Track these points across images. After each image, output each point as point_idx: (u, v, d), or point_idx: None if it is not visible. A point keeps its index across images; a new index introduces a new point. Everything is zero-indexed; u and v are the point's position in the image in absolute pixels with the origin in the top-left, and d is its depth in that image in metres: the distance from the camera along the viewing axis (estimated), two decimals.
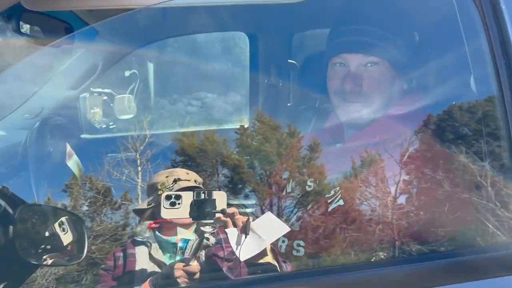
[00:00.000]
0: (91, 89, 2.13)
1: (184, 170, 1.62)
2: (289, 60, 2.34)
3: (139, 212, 1.62)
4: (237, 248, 1.32)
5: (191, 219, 1.29)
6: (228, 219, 1.35)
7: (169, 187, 1.54)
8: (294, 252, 1.54)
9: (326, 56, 1.79)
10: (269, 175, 1.73)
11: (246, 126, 2.14)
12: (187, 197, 1.28)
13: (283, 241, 1.57)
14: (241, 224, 1.35)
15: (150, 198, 1.59)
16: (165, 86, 2.19)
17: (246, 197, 1.70)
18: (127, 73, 2.20)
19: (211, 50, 2.24)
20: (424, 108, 1.64)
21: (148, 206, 1.57)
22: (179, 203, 1.28)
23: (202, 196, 1.29)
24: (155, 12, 2.03)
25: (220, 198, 1.30)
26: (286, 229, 1.38)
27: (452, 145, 1.42)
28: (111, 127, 2.13)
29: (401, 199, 1.48)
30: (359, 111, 1.68)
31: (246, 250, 1.31)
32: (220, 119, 2.18)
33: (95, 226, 1.72)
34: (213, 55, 2.25)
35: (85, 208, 1.77)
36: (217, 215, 1.30)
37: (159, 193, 1.54)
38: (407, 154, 1.49)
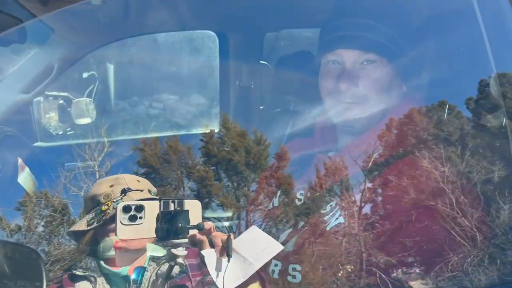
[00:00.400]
0: (46, 92, 1.95)
1: (133, 177, 1.33)
2: (261, 61, 2.22)
3: (76, 235, 1.29)
4: (217, 276, 1.01)
5: (155, 237, 1.02)
6: (204, 238, 1.05)
7: (117, 200, 1.24)
8: (290, 278, 1.37)
9: (319, 53, 1.66)
10: (245, 186, 1.62)
11: (216, 130, 2.01)
12: (152, 209, 1.01)
13: (276, 265, 1.40)
14: (220, 243, 1.04)
15: (91, 216, 1.27)
16: (125, 88, 2.03)
17: (220, 213, 1.58)
18: (85, 75, 2.03)
19: (177, 49, 2.09)
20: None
21: (89, 227, 1.24)
22: (141, 217, 1.00)
23: (172, 206, 1.01)
24: (115, 8, 1.87)
25: (194, 209, 1.03)
26: (278, 247, 1.09)
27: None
28: (68, 133, 1.96)
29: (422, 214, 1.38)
30: (356, 113, 1.54)
31: (229, 278, 1.01)
32: (188, 123, 2.04)
33: (52, 249, 1.55)
34: (180, 55, 2.10)
35: (40, 228, 1.60)
36: (192, 231, 1.02)
37: (103, 208, 1.24)
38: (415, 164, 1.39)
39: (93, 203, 1.29)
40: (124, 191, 1.26)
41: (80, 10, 1.78)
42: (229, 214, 1.60)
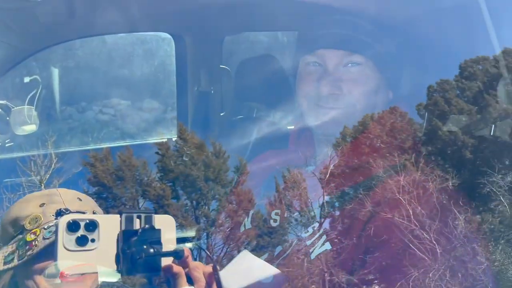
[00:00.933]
0: None
1: (73, 193, 0.99)
2: (220, 65, 2.11)
3: None
4: None
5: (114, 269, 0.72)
6: (181, 270, 0.77)
7: (49, 226, 0.90)
8: None
9: (297, 55, 1.56)
10: (205, 205, 1.51)
11: (174, 139, 1.89)
12: (109, 227, 0.73)
13: None
14: (203, 279, 0.78)
15: (9, 249, 0.91)
16: (72, 93, 1.85)
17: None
18: (26, 80, 1.84)
19: (129, 52, 1.95)
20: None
21: (6, 266, 0.88)
22: (93, 239, 0.72)
23: (137, 223, 0.73)
24: (58, 6, 1.70)
25: (168, 227, 0.75)
26: (275, 272, 0.85)
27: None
28: (7, 145, 1.77)
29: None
30: (337, 119, 1.44)
31: None
32: (142, 131, 1.90)
33: None
34: (133, 58, 1.96)
35: None
36: (165, 260, 0.74)
37: (28, 237, 0.90)
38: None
39: (14, 229, 0.94)
40: (59, 213, 0.90)
41: (17, 8, 1.59)
42: (190, 237, 1.49)
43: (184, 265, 0.78)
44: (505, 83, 1.28)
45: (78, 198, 1.00)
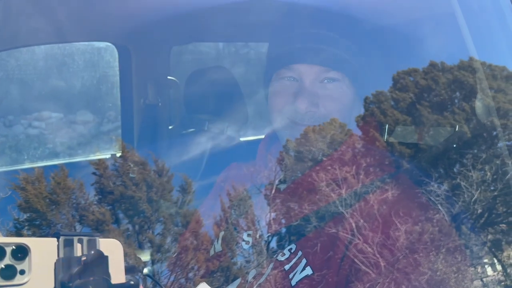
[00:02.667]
0: None
1: None
2: (168, 76, 2.02)
3: None
4: None
5: None
6: None
7: None
8: None
9: (269, 67, 1.48)
10: (149, 229, 1.41)
11: (118, 155, 1.78)
12: (44, 254, 0.59)
13: None
14: None
15: None
16: None
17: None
18: None
19: (67, 62, 1.82)
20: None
21: None
22: (23, 270, 0.58)
23: (79, 249, 0.61)
24: None
25: (115, 253, 0.64)
26: None
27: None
28: None
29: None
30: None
31: None
32: (81, 147, 1.77)
33: None
34: (71, 69, 1.83)
35: None
36: None
37: None
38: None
39: None
40: None
41: None
42: (137, 265, 1.38)
43: None
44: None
45: None
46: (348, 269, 1.21)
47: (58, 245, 0.60)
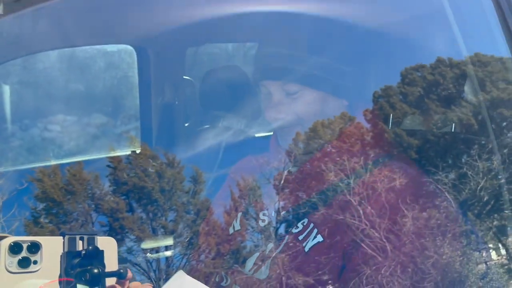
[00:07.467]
0: None
1: None
2: (184, 76, 2.11)
3: None
4: None
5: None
6: None
7: None
8: None
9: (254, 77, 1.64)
10: (162, 216, 1.49)
11: (138, 152, 1.87)
12: (52, 249, 0.75)
13: None
14: None
15: None
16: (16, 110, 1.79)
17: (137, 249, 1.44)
18: None
19: (89, 65, 1.93)
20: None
21: None
22: (36, 261, 0.74)
23: (80, 245, 0.77)
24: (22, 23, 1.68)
25: (110, 249, 0.79)
26: None
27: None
28: None
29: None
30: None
31: None
32: (100, 145, 1.87)
33: None
34: (93, 72, 1.95)
35: None
36: (109, 281, 0.77)
37: None
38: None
39: None
40: None
41: None
42: (149, 248, 1.47)
43: (125, 285, 0.82)
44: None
45: None
46: (355, 253, 1.27)
47: (63, 242, 0.76)
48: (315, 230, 1.31)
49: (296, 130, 1.50)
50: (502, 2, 1.24)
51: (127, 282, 0.82)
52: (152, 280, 1.37)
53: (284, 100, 1.50)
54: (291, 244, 1.34)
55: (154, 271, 1.41)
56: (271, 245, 1.36)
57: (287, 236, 1.35)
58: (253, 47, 1.93)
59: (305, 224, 1.34)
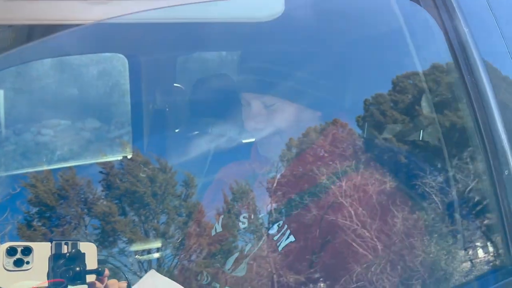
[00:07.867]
0: None
1: None
2: (175, 84, 2.14)
3: None
4: None
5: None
6: (101, 286, 0.97)
7: None
8: None
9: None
10: (154, 219, 1.51)
11: (129, 157, 1.88)
12: (42, 251, 0.92)
13: None
14: None
15: None
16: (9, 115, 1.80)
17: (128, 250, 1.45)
18: None
19: (82, 73, 1.95)
20: None
21: None
22: (28, 261, 0.91)
23: (65, 249, 0.92)
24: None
25: (90, 252, 0.95)
26: None
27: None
28: None
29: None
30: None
31: None
32: (92, 151, 1.88)
33: None
34: (85, 79, 1.96)
35: None
36: (90, 278, 0.93)
37: None
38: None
39: None
40: None
41: None
42: (141, 249, 1.48)
43: (103, 282, 0.98)
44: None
45: None
46: (346, 252, 1.30)
47: (51, 247, 0.93)
48: (288, 231, 1.39)
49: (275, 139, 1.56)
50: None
51: (105, 279, 0.98)
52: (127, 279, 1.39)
53: (263, 111, 1.54)
54: (267, 244, 1.41)
55: (146, 271, 1.42)
56: (249, 245, 1.43)
57: (264, 237, 1.42)
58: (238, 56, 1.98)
59: (280, 225, 1.41)
